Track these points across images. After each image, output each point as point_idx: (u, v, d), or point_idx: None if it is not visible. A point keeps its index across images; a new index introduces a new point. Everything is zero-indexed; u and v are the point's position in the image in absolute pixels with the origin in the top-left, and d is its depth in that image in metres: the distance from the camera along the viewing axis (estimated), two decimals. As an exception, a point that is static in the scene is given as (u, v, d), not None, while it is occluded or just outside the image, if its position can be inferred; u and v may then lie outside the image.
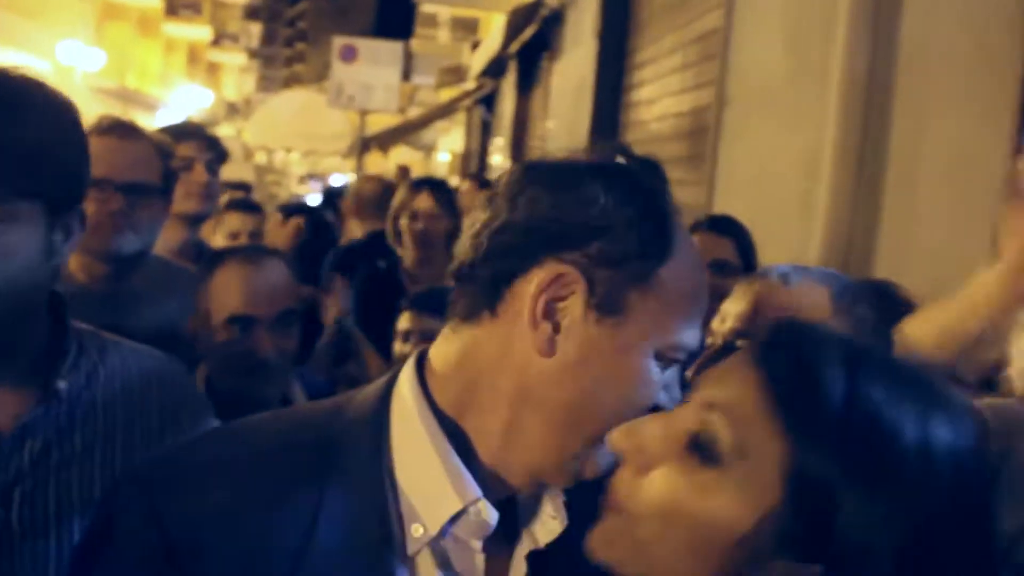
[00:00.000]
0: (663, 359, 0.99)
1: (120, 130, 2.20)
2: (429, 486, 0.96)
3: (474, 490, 0.96)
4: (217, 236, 3.76)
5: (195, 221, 3.06)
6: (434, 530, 0.96)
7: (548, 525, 1.01)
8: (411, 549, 0.96)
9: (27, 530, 1.24)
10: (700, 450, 0.82)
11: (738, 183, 4.80)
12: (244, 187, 5.40)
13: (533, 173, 1.00)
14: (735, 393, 0.83)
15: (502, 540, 1.01)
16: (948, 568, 0.79)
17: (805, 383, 0.80)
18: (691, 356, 1.05)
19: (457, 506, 0.95)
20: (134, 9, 28.55)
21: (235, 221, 3.80)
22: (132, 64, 28.86)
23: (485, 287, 0.98)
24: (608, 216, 0.96)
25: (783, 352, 0.83)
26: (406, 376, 1.02)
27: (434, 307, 2.62)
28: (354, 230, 5.10)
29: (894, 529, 0.77)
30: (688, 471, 0.82)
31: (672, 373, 1.04)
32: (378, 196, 4.85)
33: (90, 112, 2.22)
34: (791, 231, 3.86)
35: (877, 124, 3.40)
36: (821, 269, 1.53)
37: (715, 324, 1.64)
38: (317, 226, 4.83)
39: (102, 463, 1.32)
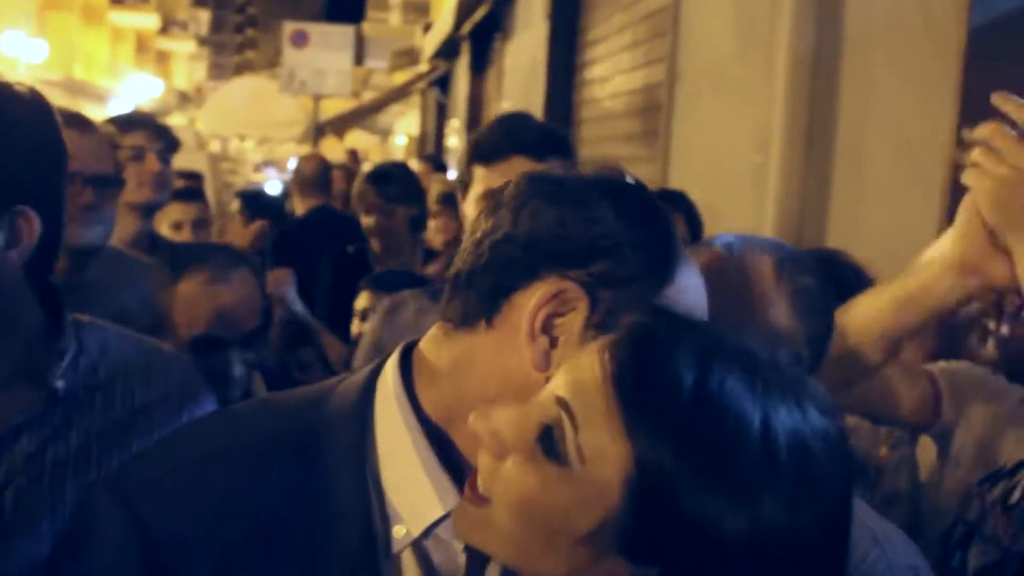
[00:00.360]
0: None
1: (79, 123, 2.17)
2: (412, 490, 0.96)
3: (456, 497, 0.94)
4: (161, 226, 3.71)
5: (148, 211, 3.02)
6: (416, 532, 0.96)
7: None
8: (394, 548, 0.96)
9: (20, 529, 1.22)
10: (547, 446, 0.82)
11: (691, 159, 4.85)
12: (195, 176, 5.31)
13: (538, 186, 0.99)
14: (584, 391, 0.82)
15: None
16: (797, 565, 0.78)
17: (650, 380, 0.80)
18: None
19: (439, 512, 0.95)
20: (78, -2, 28.01)
21: (177, 211, 3.74)
22: (78, 54, 28.31)
23: (483, 297, 0.97)
24: (615, 236, 0.96)
25: (633, 348, 0.82)
26: (391, 374, 1.01)
27: (391, 287, 2.64)
28: (297, 207, 5.25)
29: (735, 526, 0.76)
30: (536, 465, 0.82)
31: None
32: (318, 174, 5.14)
33: None
34: (744, 206, 3.91)
35: (825, 99, 3.45)
36: (767, 239, 1.51)
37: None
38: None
39: (98, 461, 1.29)
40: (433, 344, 1.01)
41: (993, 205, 1.30)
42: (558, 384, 0.84)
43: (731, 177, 4.17)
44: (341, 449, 0.98)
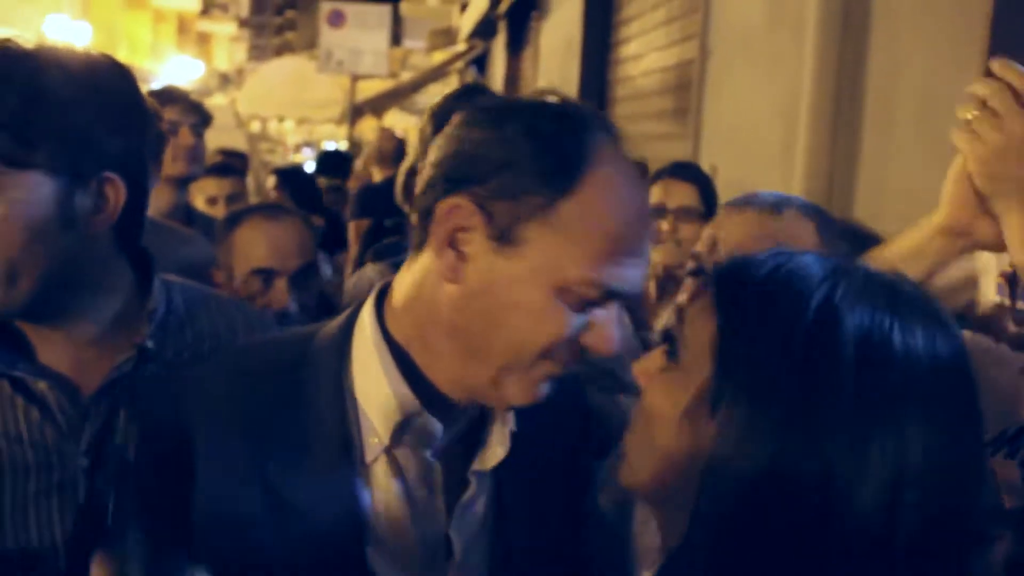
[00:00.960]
0: (571, 295, 1.01)
1: None
2: (380, 403, 1.07)
3: (413, 404, 1.06)
4: (196, 201, 3.80)
5: (183, 184, 3.12)
6: (386, 440, 1.07)
7: (493, 450, 1.12)
8: (368, 457, 1.08)
9: (112, 485, 1.28)
10: (667, 352, 0.94)
11: (722, 134, 4.84)
12: (239, 155, 5.42)
13: (470, 114, 1.07)
14: (695, 303, 0.93)
15: (461, 458, 1.12)
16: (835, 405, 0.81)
17: (737, 271, 0.91)
18: (628, 297, 1.05)
19: (398, 417, 1.06)
20: (121, -19, 28.27)
21: (212, 186, 3.83)
22: (121, 37, 28.63)
23: (419, 221, 1.06)
24: (511, 151, 1.01)
25: (730, 264, 0.93)
26: (367, 307, 1.12)
27: (390, 256, 2.74)
28: (376, 176, 6.49)
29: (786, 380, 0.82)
30: (660, 369, 0.94)
31: (609, 312, 1.04)
32: (395, 148, 6.47)
33: None
34: (773, 178, 3.90)
35: (852, 69, 3.43)
36: (801, 200, 1.54)
37: (704, 253, 1.65)
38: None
39: None
40: (400, 274, 1.12)
41: (983, 172, 1.29)
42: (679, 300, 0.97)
43: (759, 151, 4.16)
44: (324, 375, 1.10)
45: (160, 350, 1.33)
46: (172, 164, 2.96)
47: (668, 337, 0.94)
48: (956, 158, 1.36)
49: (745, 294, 0.87)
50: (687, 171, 2.98)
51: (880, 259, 1.53)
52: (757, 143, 4.22)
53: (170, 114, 3.00)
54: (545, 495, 1.15)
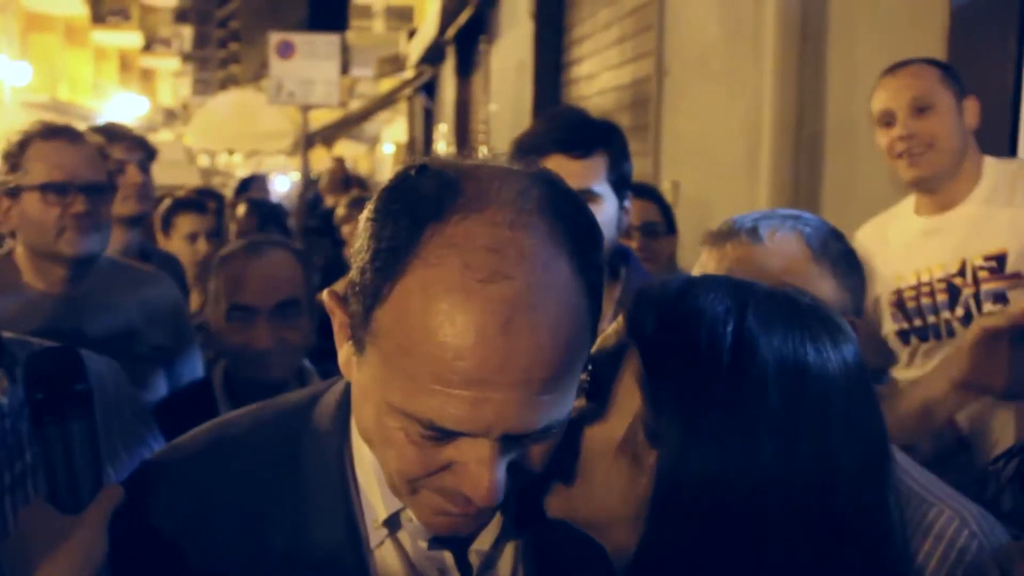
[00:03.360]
0: (406, 423, 0.85)
1: (67, 133, 2.20)
2: (372, 492, 0.99)
3: (395, 502, 0.97)
4: (173, 239, 3.73)
5: (134, 222, 3.06)
6: (384, 529, 0.99)
7: (489, 527, 1.01)
8: (373, 542, 0.99)
9: None
10: (586, 390, 0.95)
11: (683, 151, 4.86)
12: (214, 195, 5.31)
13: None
14: (607, 338, 0.97)
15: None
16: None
17: (647, 305, 0.93)
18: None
19: (384, 515, 0.98)
20: (59, 19, 27.94)
21: (190, 222, 3.77)
22: (62, 75, 28.26)
23: None
24: (361, 239, 0.88)
25: (639, 298, 0.96)
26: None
27: None
28: (329, 203, 7.23)
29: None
30: (582, 408, 0.95)
31: (479, 451, 0.84)
32: (343, 177, 7.82)
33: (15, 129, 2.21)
34: (738, 194, 3.93)
35: (812, 81, 3.47)
36: (780, 212, 1.46)
37: None
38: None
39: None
40: None
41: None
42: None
43: (722, 167, 4.19)
44: (324, 450, 1.01)
45: (14, 407, 1.27)
46: (122, 203, 2.89)
47: (592, 377, 0.94)
48: (978, 321, 1.56)
49: (660, 327, 0.91)
50: (646, 190, 3.20)
51: (896, 414, 1.57)
52: (719, 158, 4.25)
53: (116, 152, 2.94)
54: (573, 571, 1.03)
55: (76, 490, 1.03)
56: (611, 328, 0.96)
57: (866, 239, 2.52)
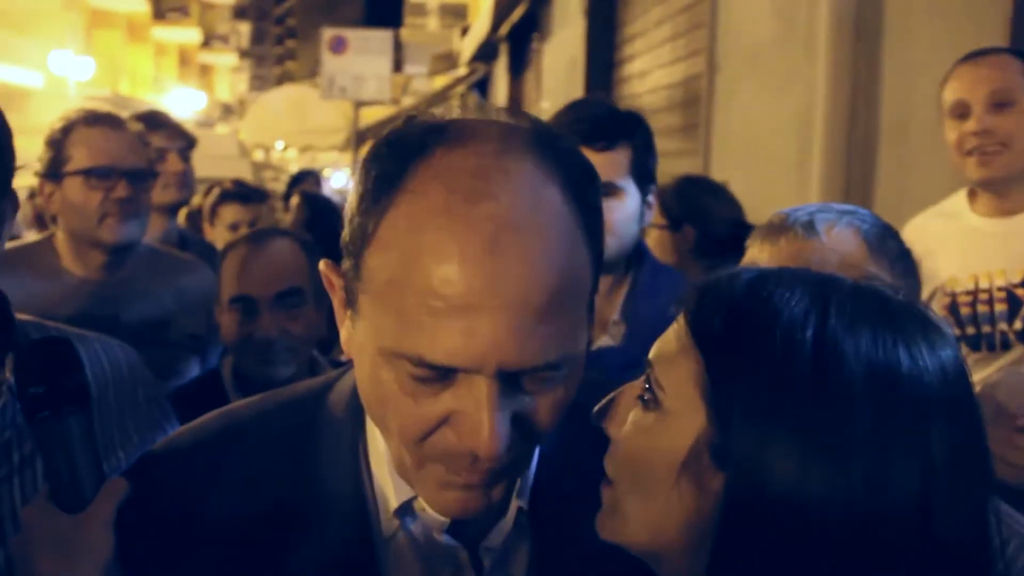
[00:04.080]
0: (398, 369, 0.82)
1: (109, 120, 2.22)
2: (385, 482, 0.96)
3: (406, 490, 0.93)
4: (217, 229, 3.77)
5: (173, 210, 3.09)
6: (397, 520, 0.95)
7: (500, 526, 0.97)
8: (387, 532, 0.95)
9: None
10: (644, 400, 0.86)
11: (733, 149, 4.79)
12: (256, 190, 5.38)
13: None
14: (663, 341, 0.87)
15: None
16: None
17: (712, 304, 0.83)
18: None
19: (394, 504, 0.94)
20: (122, 15, 28.51)
21: (234, 212, 3.81)
22: (123, 70, 28.83)
23: None
24: (351, 199, 0.86)
25: (698, 293, 0.86)
26: None
27: None
28: None
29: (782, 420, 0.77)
30: (639, 422, 0.86)
31: (478, 394, 0.80)
32: None
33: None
34: (788, 192, 3.85)
35: (865, 79, 3.38)
36: (835, 207, 1.41)
37: None
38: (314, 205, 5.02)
39: None
40: None
41: None
42: (652, 352, 0.88)
43: (773, 165, 4.11)
44: (338, 439, 0.97)
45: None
46: (162, 191, 2.93)
47: (643, 390, 0.86)
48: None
49: (728, 331, 0.80)
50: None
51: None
52: (770, 157, 4.17)
53: (157, 140, 2.98)
54: (589, 571, 0.97)
55: (78, 486, 1.00)
56: (671, 329, 0.86)
57: (918, 234, 2.33)
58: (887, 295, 0.83)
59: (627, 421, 0.87)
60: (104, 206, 2.14)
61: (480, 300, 0.77)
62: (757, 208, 3.24)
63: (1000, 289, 2.22)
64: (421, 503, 0.93)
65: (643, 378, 0.87)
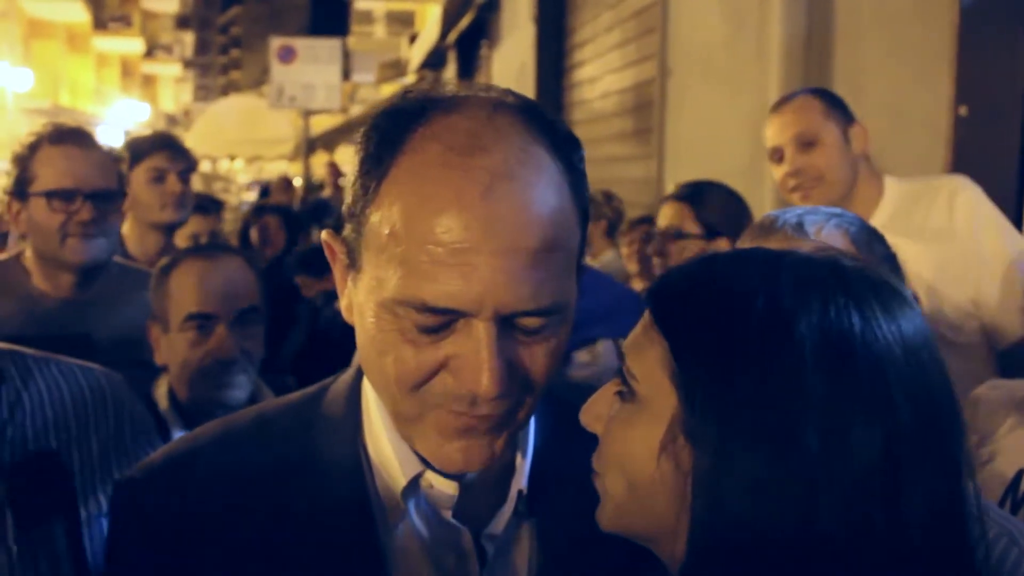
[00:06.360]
0: (399, 318, 0.86)
1: (76, 137, 2.18)
2: (389, 463, 0.98)
3: (413, 462, 0.96)
4: (177, 240, 3.76)
5: (170, 229, 3.10)
6: (403, 504, 0.97)
7: (503, 511, 1.00)
8: (392, 520, 0.97)
9: None
10: (621, 394, 0.89)
11: (687, 152, 4.86)
12: (213, 200, 5.36)
13: None
14: (635, 332, 0.89)
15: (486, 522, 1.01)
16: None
17: (670, 287, 0.86)
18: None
19: (402, 481, 0.96)
20: (61, 25, 27.97)
21: (191, 224, 3.79)
22: (64, 81, 28.30)
23: None
24: (353, 169, 0.92)
25: (663, 280, 0.89)
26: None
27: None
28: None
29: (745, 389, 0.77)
30: (619, 415, 0.88)
31: (476, 337, 0.85)
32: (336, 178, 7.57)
33: (25, 133, 2.20)
34: (742, 196, 3.91)
35: (817, 83, 3.46)
36: (823, 209, 1.45)
37: None
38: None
39: None
40: None
41: None
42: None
43: (726, 168, 4.17)
44: (337, 435, 0.99)
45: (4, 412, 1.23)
46: (160, 211, 2.96)
47: (620, 385, 0.88)
48: None
49: (687, 312, 0.83)
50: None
51: None
52: (723, 160, 4.24)
53: (157, 161, 2.98)
54: (590, 556, 1.00)
55: None
56: (639, 323, 0.89)
57: None
58: (841, 262, 0.83)
59: (607, 416, 0.90)
60: (67, 227, 2.11)
61: (477, 244, 0.83)
62: (714, 210, 3.28)
63: None
64: (428, 479, 0.96)
65: (618, 372, 0.90)
